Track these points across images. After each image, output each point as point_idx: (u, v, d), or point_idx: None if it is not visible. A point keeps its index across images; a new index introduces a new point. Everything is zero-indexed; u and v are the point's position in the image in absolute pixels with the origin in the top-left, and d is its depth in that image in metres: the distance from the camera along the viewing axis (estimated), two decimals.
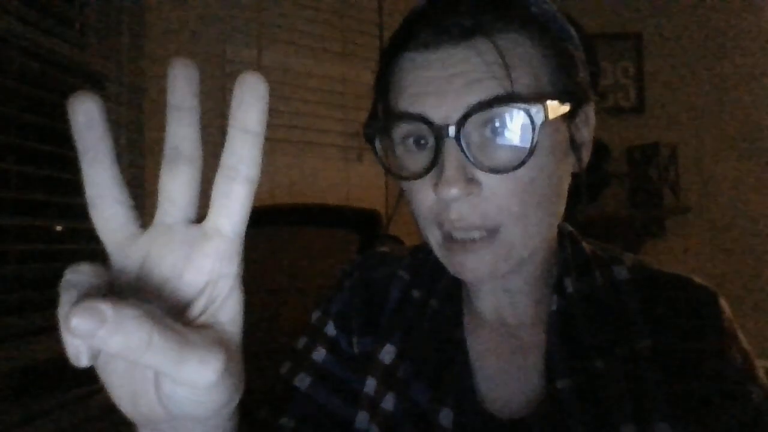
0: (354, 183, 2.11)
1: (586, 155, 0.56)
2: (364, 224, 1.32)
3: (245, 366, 0.36)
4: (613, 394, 0.51)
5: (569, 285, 0.57)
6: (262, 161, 0.33)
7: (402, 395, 0.58)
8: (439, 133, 0.47)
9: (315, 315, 0.67)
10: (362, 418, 0.59)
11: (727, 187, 2.62)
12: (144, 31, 1.53)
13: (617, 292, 0.56)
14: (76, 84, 1.35)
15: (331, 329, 0.65)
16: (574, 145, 0.54)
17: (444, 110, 0.48)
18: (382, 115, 0.54)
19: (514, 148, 0.48)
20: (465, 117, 0.47)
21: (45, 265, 1.25)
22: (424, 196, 0.51)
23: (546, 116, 0.47)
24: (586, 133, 0.56)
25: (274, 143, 1.91)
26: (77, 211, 1.39)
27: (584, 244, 0.61)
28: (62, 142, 1.32)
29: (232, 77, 1.85)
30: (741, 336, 0.55)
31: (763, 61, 2.65)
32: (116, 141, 1.57)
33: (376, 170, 2.17)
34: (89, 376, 0.33)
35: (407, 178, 0.51)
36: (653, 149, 2.50)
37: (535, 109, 0.47)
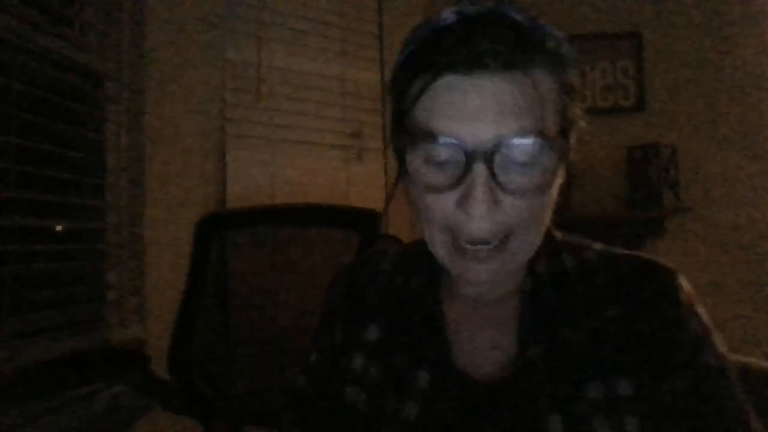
0: (354, 183, 2.11)
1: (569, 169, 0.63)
2: (364, 224, 1.33)
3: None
4: (579, 357, 0.57)
5: (541, 266, 0.62)
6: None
7: (385, 364, 0.64)
8: (473, 158, 0.51)
9: (317, 322, 0.74)
10: (351, 391, 0.65)
11: (727, 187, 2.62)
12: (144, 31, 1.53)
13: (585, 271, 0.62)
14: (76, 84, 1.35)
15: (321, 333, 0.72)
16: (567, 161, 0.60)
17: (478, 135, 0.52)
18: (414, 129, 0.56)
19: (535, 174, 0.53)
20: (499, 146, 0.51)
21: (45, 265, 1.25)
22: (442, 207, 0.55)
23: (566, 150, 0.55)
24: (572, 153, 0.62)
25: (273, 143, 1.91)
26: (77, 211, 1.39)
27: (555, 233, 0.67)
28: (62, 142, 1.32)
29: (232, 77, 1.85)
30: (701, 311, 0.60)
31: (763, 60, 2.64)
32: (116, 141, 1.56)
33: (376, 170, 2.17)
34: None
35: (435, 191, 0.55)
36: (653, 149, 2.50)
37: (559, 144, 0.54)
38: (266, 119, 1.91)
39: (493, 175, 0.51)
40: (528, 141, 0.52)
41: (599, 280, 0.61)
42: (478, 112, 0.52)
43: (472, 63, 0.51)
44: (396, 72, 0.59)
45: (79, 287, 1.35)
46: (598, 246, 0.65)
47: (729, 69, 2.65)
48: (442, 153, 0.54)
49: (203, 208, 1.62)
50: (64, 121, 1.30)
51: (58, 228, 1.37)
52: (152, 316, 1.48)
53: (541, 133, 0.52)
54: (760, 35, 2.64)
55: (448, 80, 0.53)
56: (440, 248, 0.58)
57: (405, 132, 0.57)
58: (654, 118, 2.67)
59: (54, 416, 1.14)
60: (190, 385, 1.27)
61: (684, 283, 0.60)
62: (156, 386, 1.26)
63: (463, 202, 0.53)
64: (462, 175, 0.52)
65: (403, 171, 0.58)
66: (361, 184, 2.12)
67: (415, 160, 0.56)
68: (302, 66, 2.02)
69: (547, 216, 0.59)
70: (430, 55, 0.54)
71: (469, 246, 0.55)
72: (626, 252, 0.64)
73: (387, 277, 0.70)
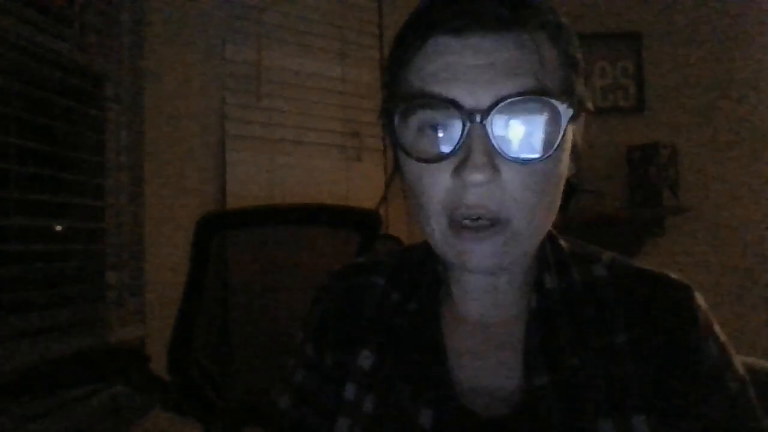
0: (354, 183, 2.11)
1: (578, 161, 0.58)
2: (364, 224, 1.32)
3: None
4: (590, 389, 0.52)
5: (548, 282, 0.57)
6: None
7: (382, 397, 0.58)
8: (470, 118, 0.47)
9: (299, 335, 0.68)
10: (343, 423, 0.59)
11: (727, 187, 2.62)
12: (144, 30, 1.53)
13: (595, 289, 0.57)
14: (75, 84, 1.35)
15: (309, 349, 0.65)
16: (574, 149, 0.55)
17: (475, 97, 0.48)
18: (405, 95, 0.52)
19: (537, 141, 0.49)
20: (496, 104, 0.47)
21: (45, 265, 1.25)
22: (439, 180, 0.50)
23: (572, 115, 0.49)
24: (580, 140, 0.57)
25: (273, 143, 1.91)
26: (77, 211, 1.39)
27: (562, 242, 0.62)
28: (62, 142, 1.32)
29: (232, 77, 1.85)
30: (717, 329, 0.56)
31: (763, 60, 2.64)
32: (116, 141, 1.56)
33: (375, 170, 2.17)
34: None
35: (428, 161, 0.50)
36: (653, 149, 2.50)
37: (564, 106, 0.49)
38: (266, 119, 1.91)
39: (491, 138, 0.47)
40: (528, 100, 0.48)
41: (610, 298, 0.56)
42: (474, 72, 0.48)
43: (464, 22, 0.48)
44: (390, 50, 0.55)
45: (78, 287, 1.35)
46: (607, 257, 0.60)
47: (729, 68, 2.65)
48: (437, 117, 0.50)
49: (203, 207, 1.62)
50: (64, 121, 1.30)
51: (58, 228, 1.37)
52: (152, 316, 1.48)
53: (542, 92, 0.48)
54: (760, 36, 2.65)
55: (440, 42, 0.50)
56: (436, 232, 0.52)
57: (398, 101, 0.52)
58: (653, 118, 2.67)
59: (54, 416, 1.14)
60: (190, 384, 1.27)
61: (700, 300, 0.56)
62: (155, 386, 1.26)
63: (460, 170, 0.48)
64: (458, 140, 0.48)
65: (398, 156, 0.54)
66: (361, 184, 2.12)
67: (409, 131, 0.51)
68: (302, 66, 2.02)
69: (554, 201, 0.53)
70: (422, 20, 0.51)
71: (467, 221, 0.50)
72: (638, 267, 0.59)
73: (381, 293, 0.64)
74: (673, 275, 0.58)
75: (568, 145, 0.53)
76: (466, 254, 0.51)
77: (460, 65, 0.48)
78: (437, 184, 0.51)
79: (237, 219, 1.46)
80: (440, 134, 0.50)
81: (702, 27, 2.66)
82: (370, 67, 2.18)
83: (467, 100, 0.48)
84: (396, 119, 0.52)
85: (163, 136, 1.56)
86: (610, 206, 2.61)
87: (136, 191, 1.51)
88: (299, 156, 1.98)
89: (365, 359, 0.60)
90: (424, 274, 0.63)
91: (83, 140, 1.41)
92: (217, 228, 1.39)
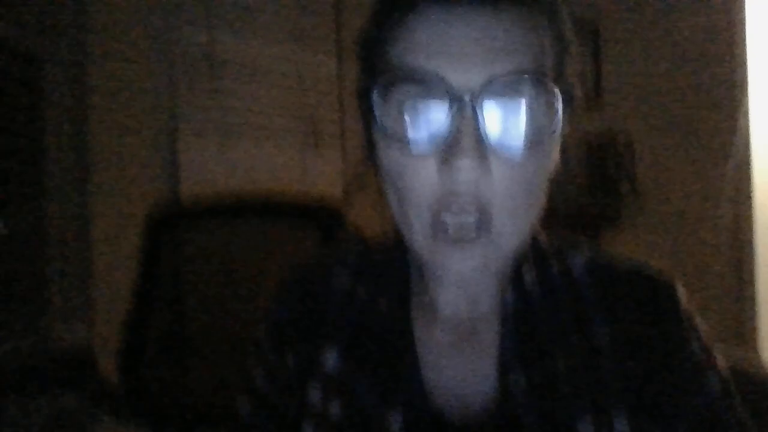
0: (310, 170, 2.07)
1: (563, 151, 0.54)
2: (325, 217, 1.29)
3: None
4: (569, 388, 0.50)
5: (525, 276, 0.54)
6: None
7: (349, 400, 0.55)
8: (458, 98, 0.43)
9: (258, 332, 0.64)
10: (307, 428, 0.55)
11: (682, 177, 2.68)
12: (87, 9, 1.44)
13: (574, 281, 0.55)
14: (8, 66, 1.26)
15: (267, 349, 0.62)
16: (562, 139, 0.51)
17: (466, 75, 0.43)
18: (385, 70, 0.47)
19: (532, 129, 0.45)
20: (489, 83, 0.43)
21: None
22: (422, 169, 0.46)
23: (570, 101, 0.46)
24: (566, 129, 0.53)
25: (227, 130, 1.85)
26: (14, 205, 1.30)
27: (540, 233, 0.59)
28: None
29: (183, 61, 1.76)
30: (699, 323, 0.54)
31: (720, 53, 2.70)
32: (57, 128, 1.45)
33: (332, 157, 2.13)
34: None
35: (410, 144, 0.46)
36: (610, 139, 2.54)
37: (560, 91, 0.45)
38: (219, 105, 1.84)
39: (481, 121, 0.43)
40: (525, 80, 0.44)
41: (590, 293, 0.54)
42: (465, 47, 0.43)
43: None
44: (368, 20, 0.50)
45: (17, 286, 1.27)
46: (587, 249, 0.57)
47: (687, 60, 2.70)
48: (422, 96, 0.45)
49: (154, 199, 1.55)
50: None
51: None
52: (100, 316, 1.41)
53: (540, 72, 0.44)
54: (719, 26, 2.70)
55: (427, 12, 0.45)
56: (416, 233, 0.48)
57: (376, 77, 0.48)
58: (611, 108, 2.71)
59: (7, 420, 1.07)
60: (141, 388, 1.21)
61: (682, 293, 0.54)
62: (104, 392, 1.20)
63: (447, 157, 0.44)
64: (446, 122, 0.44)
65: (373, 141, 0.50)
66: (318, 172, 2.08)
67: (389, 112, 0.46)
68: (256, 50, 1.95)
69: (541, 195, 0.50)
70: None
71: (450, 220, 0.45)
72: (620, 259, 0.56)
73: (346, 289, 0.60)
74: (656, 268, 0.55)
75: (560, 136, 0.49)
76: (447, 262, 0.47)
77: (450, 38, 0.44)
78: (421, 174, 0.46)
79: (190, 212, 1.40)
80: (424, 116, 0.45)
81: (660, 16, 2.70)
82: (327, 52, 2.13)
83: (456, 78, 0.43)
84: (374, 98, 0.47)
85: (109, 123, 1.48)
86: (565, 194, 2.65)
87: (80, 184, 1.43)
88: (254, 143, 1.92)
89: (329, 359, 0.57)
90: (391, 268, 0.59)
91: (19, 128, 1.32)
92: (169, 221, 1.33)
